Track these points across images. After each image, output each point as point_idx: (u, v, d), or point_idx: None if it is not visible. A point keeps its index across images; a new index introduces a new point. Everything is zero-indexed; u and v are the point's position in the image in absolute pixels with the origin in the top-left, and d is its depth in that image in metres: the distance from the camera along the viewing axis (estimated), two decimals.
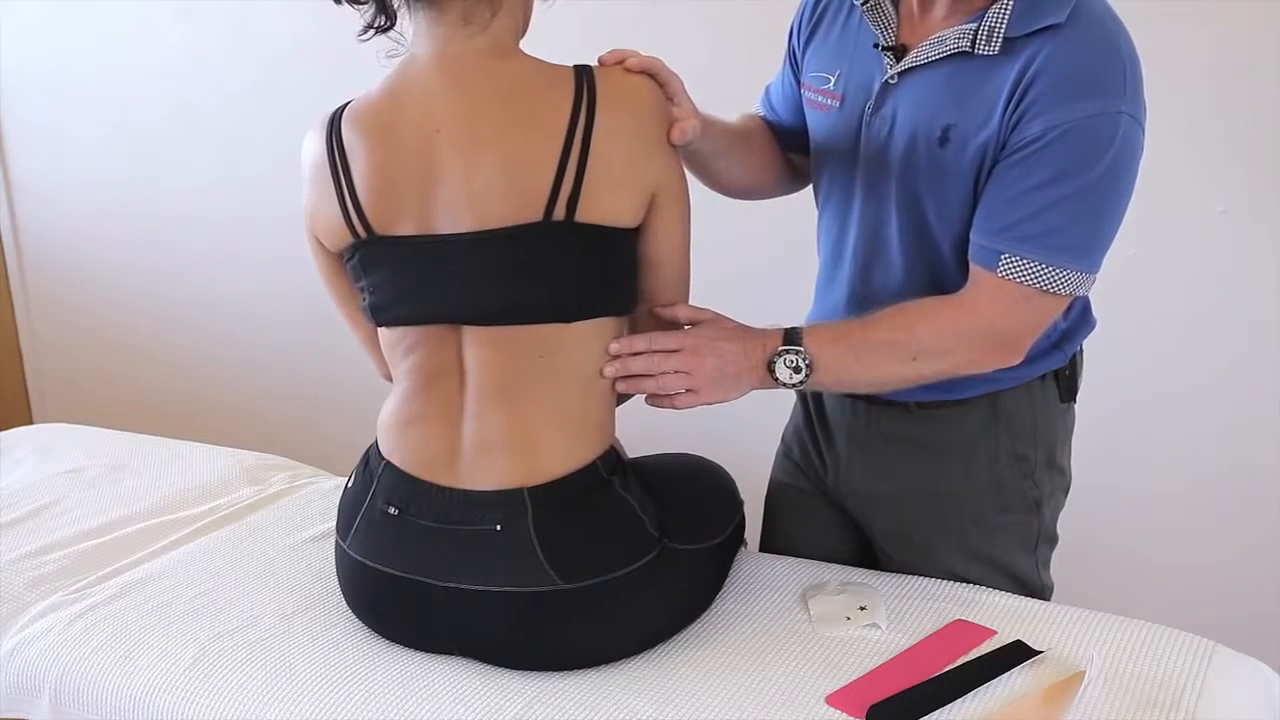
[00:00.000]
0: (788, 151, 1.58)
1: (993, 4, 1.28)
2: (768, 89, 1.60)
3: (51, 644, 1.44)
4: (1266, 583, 2.13)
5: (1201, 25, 1.93)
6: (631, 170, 1.28)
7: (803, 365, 1.32)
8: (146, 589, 1.54)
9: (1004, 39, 1.26)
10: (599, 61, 1.31)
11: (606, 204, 1.26)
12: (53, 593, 1.54)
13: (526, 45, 1.33)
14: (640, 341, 1.33)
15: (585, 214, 1.25)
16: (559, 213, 1.24)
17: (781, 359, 1.32)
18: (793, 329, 1.34)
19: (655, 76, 1.31)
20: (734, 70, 1.68)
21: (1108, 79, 1.25)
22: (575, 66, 1.28)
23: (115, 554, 1.64)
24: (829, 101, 1.43)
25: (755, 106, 1.62)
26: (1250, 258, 2.02)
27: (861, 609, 1.40)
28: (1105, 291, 1.40)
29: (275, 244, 2.76)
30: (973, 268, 1.32)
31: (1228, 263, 2.04)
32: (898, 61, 1.34)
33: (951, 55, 1.30)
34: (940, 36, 1.31)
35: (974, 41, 1.28)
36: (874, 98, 1.37)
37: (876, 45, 1.37)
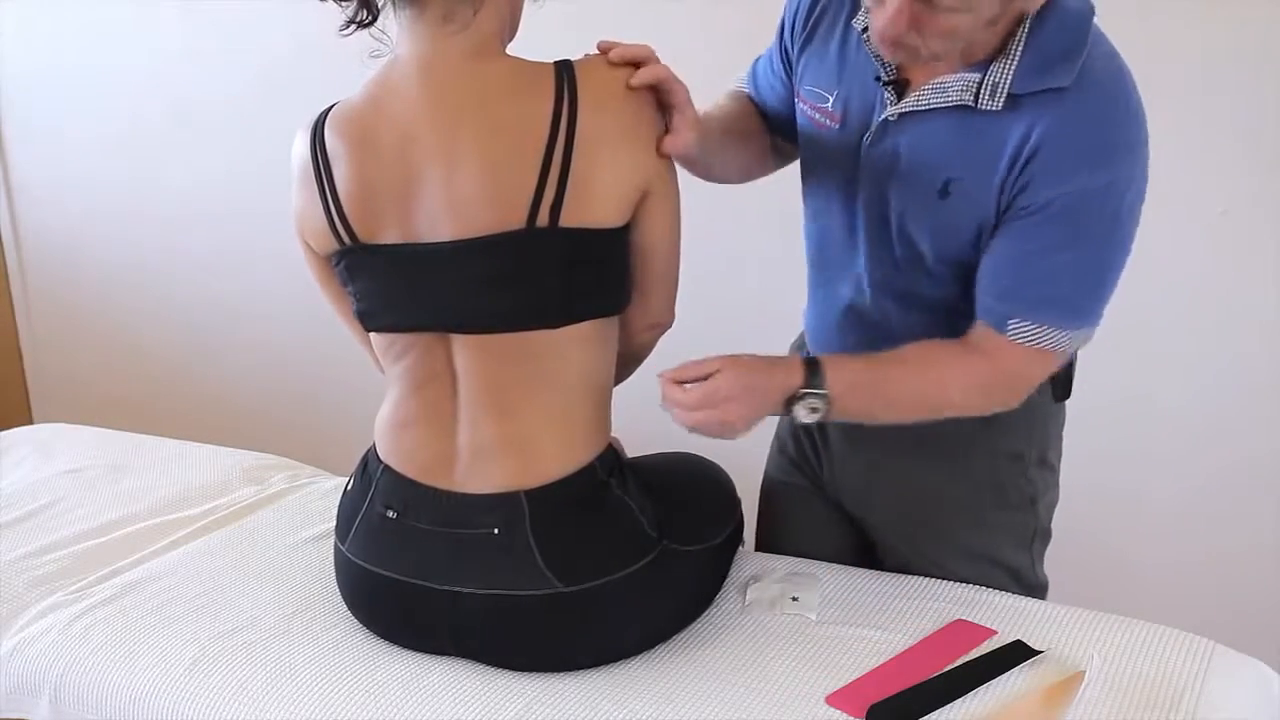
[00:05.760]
0: (774, 135, 1.55)
1: (997, 58, 1.24)
2: (754, 68, 1.56)
3: (51, 644, 1.44)
4: (1266, 583, 2.13)
5: (1202, 25, 1.93)
6: (617, 170, 1.24)
7: (821, 408, 1.30)
8: (146, 589, 1.54)
9: (1008, 95, 1.23)
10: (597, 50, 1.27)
11: (592, 207, 1.23)
12: (53, 593, 1.54)
13: (522, 44, 1.31)
14: (672, 391, 1.30)
15: (570, 219, 1.22)
16: (542, 219, 1.21)
17: (802, 402, 1.30)
18: (814, 366, 1.30)
19: (660, 85, 1.27)
20: (727, 66, 1.67)
21: (1115, 148, 1.22)
22: (556, 63, 1.25)
23: (115, 554, 1.64)
24: (827, 121, 1.40)
25: (739, 82, 1.58)
26: (1250, 258, 2.01)
27: (794, 600, 1.42)
28: None
29: (275, 243, 2.74)
30: (982, 325, 1.31)
31: (1228, 263, 2.03)
32: (899, 98, 1.31)
33: (953, 106, 1.27)
34: (943, 84, 1.27)
35: (977, 95, 1.25)
36: (874, 130, 1.33)
37: (878, 79, 1.33)
